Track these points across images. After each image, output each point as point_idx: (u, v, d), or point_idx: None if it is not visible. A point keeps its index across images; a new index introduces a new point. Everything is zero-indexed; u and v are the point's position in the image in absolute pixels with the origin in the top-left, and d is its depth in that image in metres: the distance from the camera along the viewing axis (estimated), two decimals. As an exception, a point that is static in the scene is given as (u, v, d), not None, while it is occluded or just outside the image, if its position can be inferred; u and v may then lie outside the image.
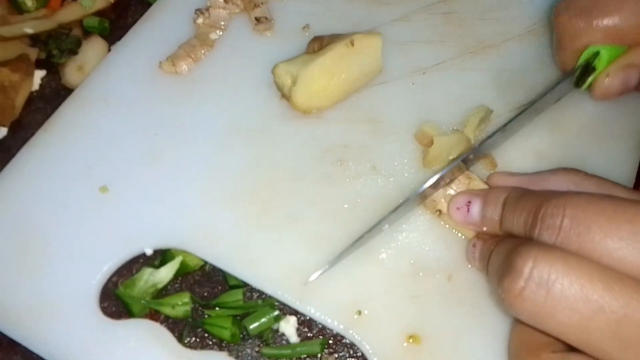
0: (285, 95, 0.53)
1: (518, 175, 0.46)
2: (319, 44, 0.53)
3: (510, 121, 0.48)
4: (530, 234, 0.37)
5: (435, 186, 0.46)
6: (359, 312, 0.45)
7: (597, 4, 0.46)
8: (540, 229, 0.36)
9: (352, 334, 0.45)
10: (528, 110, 0.49)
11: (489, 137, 0.48)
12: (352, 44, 0.51)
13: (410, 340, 0.45)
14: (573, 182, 0.42)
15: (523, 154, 0.51)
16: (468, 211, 0.44)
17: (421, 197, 0.47)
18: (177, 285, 0.49)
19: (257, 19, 0.57)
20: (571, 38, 0.48)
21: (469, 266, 0.47)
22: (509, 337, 0.42)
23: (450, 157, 0.49)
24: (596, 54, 0.47)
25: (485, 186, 0.47)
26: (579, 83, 0.49)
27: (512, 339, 0.41)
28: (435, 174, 0.46)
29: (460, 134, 0.50)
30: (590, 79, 0.48)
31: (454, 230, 0.48)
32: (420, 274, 0.47)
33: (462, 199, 0.45)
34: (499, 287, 0.36)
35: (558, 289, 0.33)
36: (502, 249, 0.39)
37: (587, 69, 0.48)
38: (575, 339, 0.34)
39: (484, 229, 0.44)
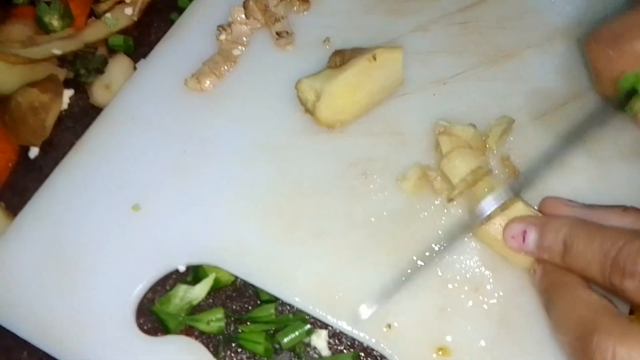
0: (309, 110, 0.52)
1: (574, 206, 0.44)
2: (341, 58, 0.53)
3: (554, 152, 0.47)
4: (612, 281, 0.36)
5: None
6: (389, 326, 0.45)
7: (623, 32, 0.44)
8: (622, 276, 0.35)
9: (382, 347, 0.45)
10: (572, 138, 0.47)
11: (535, 167, 0.47)
12: (374, 59, 0.50)
13: (440, 353, 0.44)
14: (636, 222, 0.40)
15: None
16: (524, 240, 0.43)
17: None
18: (209, 300, 0.49)
19: (278, 34, 0.56)
20: (605, 67, 0.46)
21: (495, 278, 0.46)
22: None
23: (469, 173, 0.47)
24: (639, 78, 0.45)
25: (528, 210, 0.45)
26: (624, 108, 0.46)
27: None
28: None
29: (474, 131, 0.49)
30: (636, 103, 0.45)
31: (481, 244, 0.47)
32: (449, 286, 0.46)
33: (518, 228, 0.43)
34: None
35: None
36: (573, 308, 0.38)
37: (631, 93, 0.45)
38: None
39: (544, 257, 0.42)
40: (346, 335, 0.47)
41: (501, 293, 0.46)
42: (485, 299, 0.46)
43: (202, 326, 0.47)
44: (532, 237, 0.42)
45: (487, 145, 0.50)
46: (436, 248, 0.46)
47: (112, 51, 0.61)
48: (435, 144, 0.50)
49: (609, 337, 0.35)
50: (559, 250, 0.40)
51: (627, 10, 0.46)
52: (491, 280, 0.46)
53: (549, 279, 0.42)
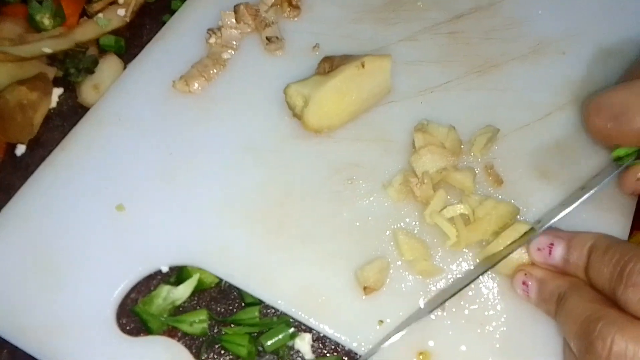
0: (297, 115, 0.51)
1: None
2: (330, 64, 0.52)
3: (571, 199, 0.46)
4: (614, 291, 0.36)
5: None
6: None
7: (627, 110, 0.42)
8: (624, 287, 0.35)
9: (363, 350, 0.44)
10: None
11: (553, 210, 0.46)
12: (363, 66, 0.49)
13: (420, 357, 0.44)
14: None
15: (527, 171, 0.50)
16: (550, 253, 0.42)
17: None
18: (194, 302, 0.47)
19: (268, 39, 0.55)
20: (603, 139, 0.46)
21: (477, 286, 0.45)
22: None
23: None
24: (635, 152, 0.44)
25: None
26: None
27: None
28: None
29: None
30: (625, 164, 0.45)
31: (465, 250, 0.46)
32: (433, 292, 0.45)
33: (545, 240, 0.42)
34: None
35: None
36: (582, 306, 0.38)
37: (618, 160, 0.46)
38: None
39: (569, 271, 0.41)
40: (330, 339, 0.45)
41: (482, 299, 0.45)
42: (467, 305, 0.45)
43: (185, 327, 0.45)
44: (559, 251, 0.41)
45: (462, 147, 0.50)
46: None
47: (103, 51, 0.59)
48: (413, 143, 0.50)
49: (611, 326, 0.35)
50: (583, 264, 0.39)
51: (627, 80, 0.45)
52: (473, 286, 0.45)
53: (551, 285, 0.41)
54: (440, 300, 0.44)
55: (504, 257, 0.43)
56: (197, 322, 0.45)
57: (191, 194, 0.49)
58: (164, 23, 0.59)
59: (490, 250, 0.45)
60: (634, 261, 0.35)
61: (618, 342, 0.34)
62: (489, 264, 0.44)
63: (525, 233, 0.44)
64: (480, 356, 0.43)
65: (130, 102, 0.53)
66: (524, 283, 0.43)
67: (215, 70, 0.55)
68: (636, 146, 0.44)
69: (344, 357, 0.45)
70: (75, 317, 0.45)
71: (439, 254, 0.46)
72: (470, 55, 0.55)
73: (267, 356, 0.45)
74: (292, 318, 0.45)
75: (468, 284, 0.44)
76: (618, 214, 0.47)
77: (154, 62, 0.55)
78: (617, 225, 0.47)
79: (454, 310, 0.45)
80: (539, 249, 0.42)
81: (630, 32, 0.55)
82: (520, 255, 0.44)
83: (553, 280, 0.41)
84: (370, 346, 0.43)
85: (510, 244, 0.44)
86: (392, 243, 0.47)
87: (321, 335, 0.46)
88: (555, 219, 0.44)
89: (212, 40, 0.56)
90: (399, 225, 0.47)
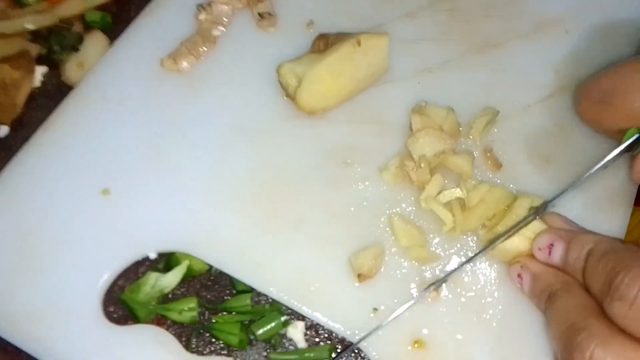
0: (290, 95, 0.49)
1: (572, 224, 0.42)
2: (325, 42, 0.49)
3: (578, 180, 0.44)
4: (602, 301, 0.34)
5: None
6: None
7: (615, 90, 0.41)
8: (611, 299, 0.33)
9: (357, 339, 0.42)
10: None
11: (557, 195, 0.44)
12: (359, 44, 0.47)
13: (415, 345, 0.42)
14: None
15: (529, 157, 0.48)
16: (550, 254, 0.40)
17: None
18: (183, 289, 0.45)
19: (261, 15, 0.53)
20: (597, 124, 0.44)
21: (474, 273, 0.44)
22: None
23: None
24: None
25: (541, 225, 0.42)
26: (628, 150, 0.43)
27: None
28: None
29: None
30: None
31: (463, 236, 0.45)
32: (427, 278, 0.43)
33: (545, 240, 0.41)
34: None
35: None
36: (569, 311, 0.36)
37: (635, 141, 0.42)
38: None
39: (568, 271, 0.40)
40: (323, 328, 0.44)
41: (479, 286, 0.44)
42: (463, 292, 0.44)
43: (174, 315, 0.43)
44: (558, 252, 0.40)
45: (461, 129, 0.48)
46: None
47: (89, 28, 0.56)
48: (410, 125, 0.48)
49: (591, 338, 0.34)
50: (581, 267, 0.38)
51: (612, 66, 0.43)
52: (469, 273, 0.44)
53: (543, 282, 0.40)
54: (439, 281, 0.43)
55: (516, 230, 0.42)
56: (187, 310, 0.43)
57: (180, 177, 0.47)
58: (151, -3, 0.56)
59: (497, 231, 0.43)
60: (623, 272, 0.33)
61: (597, 355, 0.33)
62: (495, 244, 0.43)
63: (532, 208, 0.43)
64: (476, 344, 0.42)
65: (116, 81, 0.50)
66: (518, 275, 0.42)
67: (205, 48, 0.52)
68: (631, 126, 0.41)
69: (337, 346, 0.44)
70: (59, 305, 0.43)
71: (436, 240, 0.45)
72: (470, 34, 0.53)
73: (258, 345, 0.44)
74: (285, 306, 0.43)
75: (473, 258, 0.43)
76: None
77: (141, 39, 0.53)
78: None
79: (450, 297, 0.43)
80: (540, 249, 0.41)
81: (634, 10, 0.52)
82: (518, 243, 0.42)
83: (546, 277, 0.40)
84: (364, 334, 0.42)
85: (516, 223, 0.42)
86: (387, 229, 0.45)
87: (314, 323, 0.44)
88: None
89: (202, 16, 0.53)
90: (394, 210, 0.46)
